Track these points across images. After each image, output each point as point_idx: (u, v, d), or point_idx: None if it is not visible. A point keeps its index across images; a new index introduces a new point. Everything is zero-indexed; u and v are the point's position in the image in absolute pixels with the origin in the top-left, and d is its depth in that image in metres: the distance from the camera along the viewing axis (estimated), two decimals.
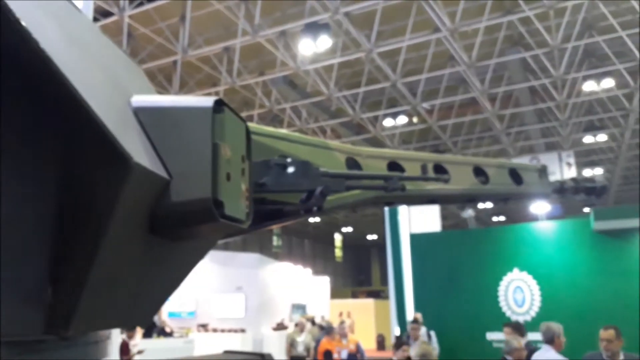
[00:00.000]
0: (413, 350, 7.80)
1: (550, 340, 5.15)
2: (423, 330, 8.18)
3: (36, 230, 0.92)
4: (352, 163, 2.14)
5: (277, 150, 1.74)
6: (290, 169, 1.59)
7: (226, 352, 1.78)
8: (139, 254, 1.10)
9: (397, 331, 8.63)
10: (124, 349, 9.69)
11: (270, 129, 1.83)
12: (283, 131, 1.92)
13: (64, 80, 0.85)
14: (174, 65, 13.39)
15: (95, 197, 0.94)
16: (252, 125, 1.61)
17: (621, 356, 4.76)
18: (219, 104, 1.16)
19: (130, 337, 13.19)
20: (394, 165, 2.31)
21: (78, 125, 0.90)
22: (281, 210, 1.73)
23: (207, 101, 1.14)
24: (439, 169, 2.52)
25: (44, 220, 0.93)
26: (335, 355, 8.30)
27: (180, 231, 1.13)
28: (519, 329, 6.91)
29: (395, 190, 1.95)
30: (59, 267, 0.94)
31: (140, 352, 10.02)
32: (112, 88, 1.12)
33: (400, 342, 6.02)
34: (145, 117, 1.12)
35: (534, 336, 8.02)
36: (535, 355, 5.26)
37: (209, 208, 1.06)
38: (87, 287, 0.94)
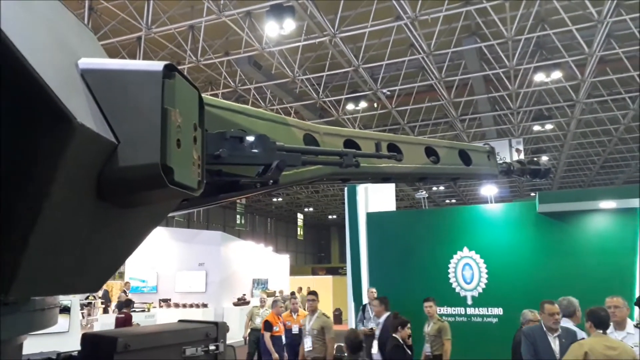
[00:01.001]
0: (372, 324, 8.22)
1: (571, 314, 5.31)
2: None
3: None
4: (309, 139, 2.14)
5: (234, 123, 1.71)
6: (247, 142, 1.57)
7: (180, 321, 1.75)
8: (86, 219, 1.05)
9: (365, 301, 8.96)
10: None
11: (227, 102, 1.80)
12: (241, 105, 1.89)
13: (3, 37, 0.82)
14: (138, 42, 13.21)
15: (38, 159, 0.90)
16: (209, 97, 1.69)
17: (559, 330, 5.06)
18: (170, 69, 1.13)
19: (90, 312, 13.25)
20: (350, 143, 2.33)
21: (19, 84, 0.85)
22: (237, 182, 1.72)
23: (157, 65, 1.11)
24: (393, 148, 2.55)
25: None
26: (275, 328, 8.54)
27: (129, 197, 1.09)
28: (385, 302, 7.63)
29: (350, 166, 2.00)
30: (0, 229, 0.90)
31: None
32: (58, 49, 1.06)
33: (403, 322, 5.87)
34: (92, 80, 1.08)
35: (481, 311, 8.63)
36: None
37: (158, 174, 1.03)
38: (29, 250, 0.91)
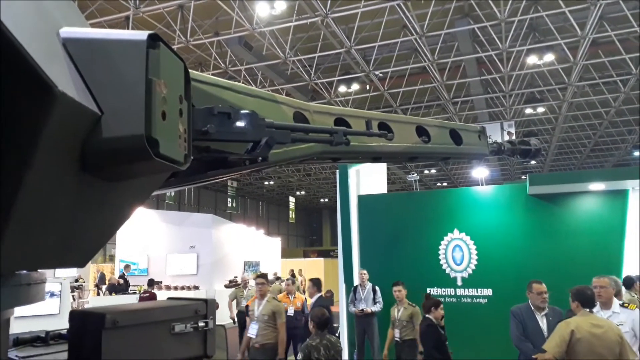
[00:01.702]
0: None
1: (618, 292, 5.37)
2: (369, 286, 8.69)
3: None
4: (299, 117, 2.12)
5: (223, 100, 1.68)
6: (235, 118, 1.55)
7: (170, 298, 1.76)
8: (70, 192, 1.04)
9: (356, 282, 9.00)
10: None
11: (215, 78, 1.76)
12: (229, 81, 1.85)
13: None
14: (126, 21, 12.99)
15: (19, 128, 0.88)
16: (197, 73, 1.65)
17: (546, 309, 5.17)
18: (154, 39, 1.10)
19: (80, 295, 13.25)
20: (340, 122, 2.32)
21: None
22: (226, 159, 1.70)
23: (141, 35, 1.09)
24: (384, 126, 2.53)
25: None
26: None
27: (114, 170, 1.08)
28: (317, 283, 7.68)
29: (340, 144, 1.99)
30: None
31: None
32: (38, 17, 1.04)
33: (436, 302, 5.79)
34: (74, 49, 1.06)
35: (471, 292, 8.73)
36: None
37: (142, 145, 1.01)
38: (12, 222, 0.90)
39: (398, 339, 6.98)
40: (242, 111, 1.59)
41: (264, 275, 6.89)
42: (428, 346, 5.53)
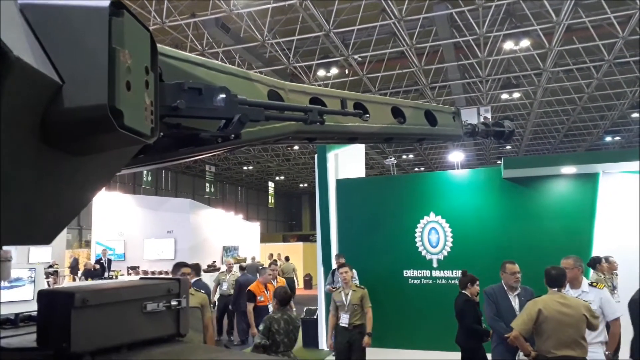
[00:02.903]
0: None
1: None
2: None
3: None
4: (274, 96, 2.09)
5: (194, 76, 1.63)
6: (206, 94, 1.51)
7: (142, 278, 1.72)
8: (31, 165, 1.01)
9: (334, 266, 9.05)
10: None
11: (186, 54, 1.69)
12: (201, 57, 1.78)
13: None
14: None
15: None
16: (167, 47, 1.60)
17: (519, 289, 5.29)
18: (117, 7, 1.07)
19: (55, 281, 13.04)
20: (316, 101, 2.28)
21: None
22: (197, 136, 1.66)
23: (104, 2, 1.05)
24: (359, 107, 2.50)
25: None
26: (260, 298, 7.79)
27: (77, 142, 1.05)
28: (195, 268, 7.01)
29: (314, 122, 1.95)
30: None
31: None
32: None
33: (473, 279, 5.85)
34: (33, 16, 1.02)
35: (446, 273, 8.89)
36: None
37: (105, 116, 0.98)
38: None
39: (346, 325, 6.29)
40: (213, 87, 1.54)
41: (183, 264, 5.61)
42: (468, 321, 5.67)
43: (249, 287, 8.15)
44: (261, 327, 4.65)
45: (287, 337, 4.64)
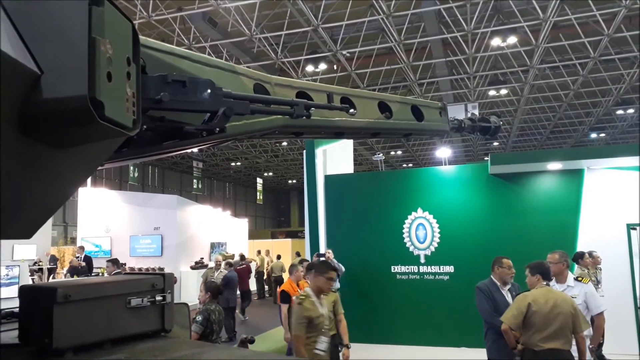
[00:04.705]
0: None
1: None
2: (334, 263, 8.76)
3: None
4: (260, 89, 2.06)
5: (178, 69, 1.62)
6: (190, 87, 1.48)
7: (127, 273, 1.71)
8: (10, 157, 0.99)
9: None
10: None
11: (170, 46, 1.69)
12: (185, 50, 1.77)
13: None
14: None
15: None
16: (150, 40, 1.59)
17: (510, 284, 5.28)
18: None
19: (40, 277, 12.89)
20: (302, 95, 2.27)
21: None
22: (182, 130, 1.63)
23: None
24: (346, 101, 2.50)
25: None
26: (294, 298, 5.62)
27: (58, 134, 1.04)
28: (115, 262, 7.95)
29: (300, 116, 1.94)
30: None
31: None
32: None
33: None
34: (10, 5, 1.00)
35: (434, 269, 8.94)
36: None
37: (86, 107, 0.97)
38: None
39: (323, 351, 4.54)
40: (198, 79, 1.52)
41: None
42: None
43: (281, 288, 7.07)
44: (200, 317, 5.06)
45: (219, 326, 5.25)
